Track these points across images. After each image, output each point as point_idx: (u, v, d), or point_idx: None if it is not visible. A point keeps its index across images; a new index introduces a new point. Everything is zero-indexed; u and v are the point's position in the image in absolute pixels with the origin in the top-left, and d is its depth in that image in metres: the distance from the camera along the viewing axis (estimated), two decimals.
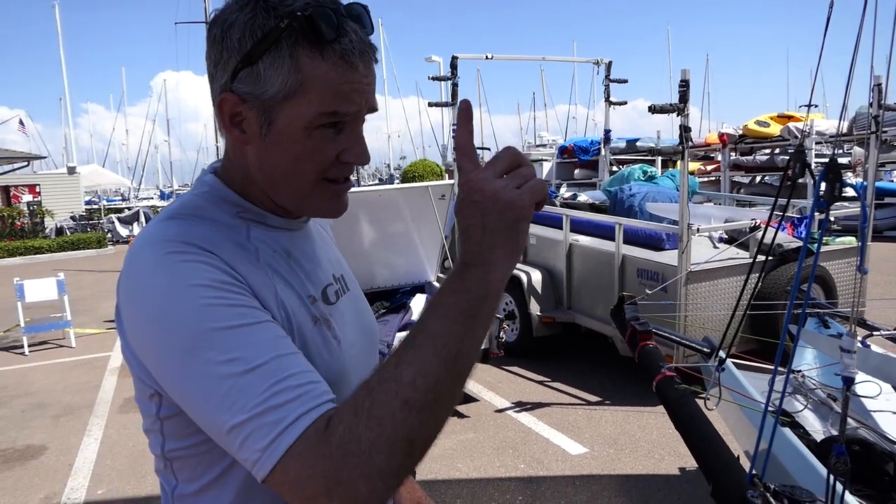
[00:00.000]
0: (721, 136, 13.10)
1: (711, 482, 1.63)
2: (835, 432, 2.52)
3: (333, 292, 0.98)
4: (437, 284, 5.67)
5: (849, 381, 1.40)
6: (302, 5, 0.78)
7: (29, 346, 7.39)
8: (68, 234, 19.61)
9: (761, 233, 4.86)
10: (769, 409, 1.68)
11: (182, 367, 0.74)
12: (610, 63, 7.58)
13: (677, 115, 4.38)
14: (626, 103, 7.82)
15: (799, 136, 10.56)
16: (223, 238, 0.84)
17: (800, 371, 2.92)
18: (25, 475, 4.18)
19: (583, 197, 7.25)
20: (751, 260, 4.94)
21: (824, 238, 5.50)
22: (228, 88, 0.83)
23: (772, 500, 1.50)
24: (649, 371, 2.33)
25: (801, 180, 1.94)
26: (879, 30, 1.90)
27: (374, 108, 0.87)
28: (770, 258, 4.97)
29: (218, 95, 0.84)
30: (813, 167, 2.23)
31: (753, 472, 1.48)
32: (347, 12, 0.82)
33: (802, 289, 4.72)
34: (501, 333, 4.78)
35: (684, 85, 4.28)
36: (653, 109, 4.39)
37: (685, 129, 4.31)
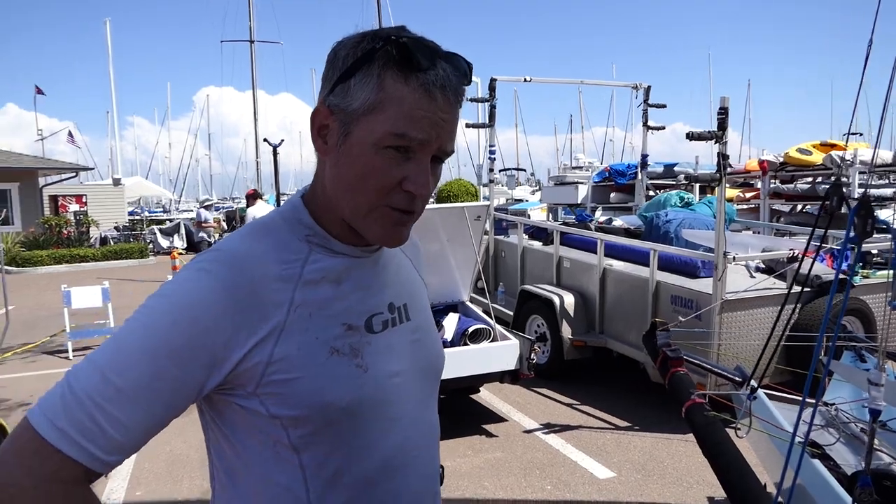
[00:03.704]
0: (761, 163, 12.92)
1: None
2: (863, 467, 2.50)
3: (381, 321, 1.00)
4: (469, 304, 5.72)
5: (875, 413, 1.42)
6: (404, 36, 0.87)
7: (73, 350, 7.63)
8: (112, 243, 20.14)
9: (798, 264, 4.82)
10: (798, 438, 1.70)
11: (108, 342, 0.86)
12: (649, 88, 7.61)
13: (715, 143, 4.39)
14: (664, 128, 7.83)
15: (840, 167, 10.39)
16: (276, 260, 0.92)
17: (833, 404, 2.90)
18: None
19: (618, 222, 7.26)
20: (787, 291, 4.90)
21: (865, 271, 5.42)
22: (324, 102, 0.92)
23: None
24: (679, 397, 2.35)
25: (843, 210, 1.97)
26: None
27: (446, 149, 0.92)
28: (807, 289, 4.92)
29: (314, 108, 0.94)
30: (855, 197, 2.24)
31: (779, 500, 1.50)
32: (445, 56, 0.89)
33: (839, 322, 4.66)
34: (532, 355, 4.80)
35: (723, 112, 4.30)
36: (691, 136, 4.41)
37: (723, 157, 4.32)
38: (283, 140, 7.63)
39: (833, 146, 12.55)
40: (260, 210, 8.88)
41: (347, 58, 0.89)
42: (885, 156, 11.48)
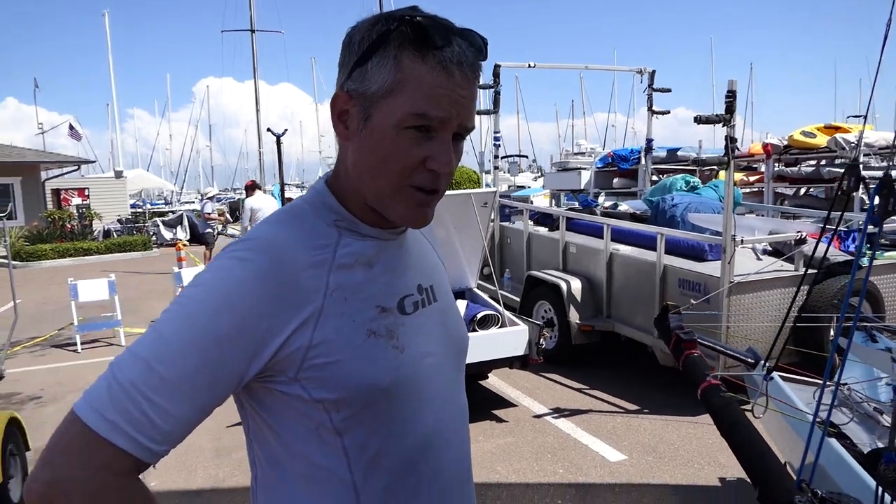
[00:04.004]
0: (765, 146, 12.88)
1: (758, 487, 1.66)
2: (881, 445, 2.51)
3: (412, 303, 1.01)
4: (477, 291, 5.73)
5: None
6: (418, 15, 0.87)
7: (81, 343, 7.66)
8: (115, 236, 20.16)
9: (811, 246, 4.82)
10: (814, 418, 1.70)
11: (147, 333, 0.86)
12: (653, 72, 7.58)
13: (723, 126, 4.38)
14: (668, 112, 7.81)
15: (847, 148, 10.36)
16: (307, 246, 0.93)
17: (845, 384, 2.91)
18: None
19: (624, 206, 7.25)
20: (795, 273, 4.90)
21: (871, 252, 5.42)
22: (342, 87, 0.92)
23: None
24: (694, 379, 2.36)
25: (837, 196, 1.96)
26: None
27: (467, 126, 0.92)
28: (816, 271, 4.92)
29: (333, 94, 0.94)
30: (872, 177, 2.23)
31: (802, 478, 1.51)
32: (460, 33, 0.89)
33: (852, 303, 4.67)
34: (542, 340, 4.82)
35: (731, 95, 4.28)
36: (699, 120, 4.40)
37: (731, 140, 4.31)
38: (286, 129, 7.62)
39: (837, 129, 12.49)
40: (257, 201, 8.86)
41: (363, 42, 0.89)
42: (889, 137, 11.42)
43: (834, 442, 2.06)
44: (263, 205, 8.72)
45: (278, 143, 7.43)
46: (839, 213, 2.18)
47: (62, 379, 6.45)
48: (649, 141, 8.21)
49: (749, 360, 2.88)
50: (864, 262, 5.11)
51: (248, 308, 0.85)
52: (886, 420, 2.69)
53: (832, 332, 4.81)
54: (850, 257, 4.93)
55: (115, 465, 0.80)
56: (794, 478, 1.68)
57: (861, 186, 2.04)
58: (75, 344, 7.63)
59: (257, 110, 22.42)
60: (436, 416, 1.02)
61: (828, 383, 1.65)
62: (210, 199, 14.75)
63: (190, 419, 0.84)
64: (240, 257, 0.89)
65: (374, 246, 0.99)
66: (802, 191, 13.94)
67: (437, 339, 1.05)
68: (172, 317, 0.86)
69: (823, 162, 12.64)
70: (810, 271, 3.66)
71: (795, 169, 12.97)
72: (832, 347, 1.56)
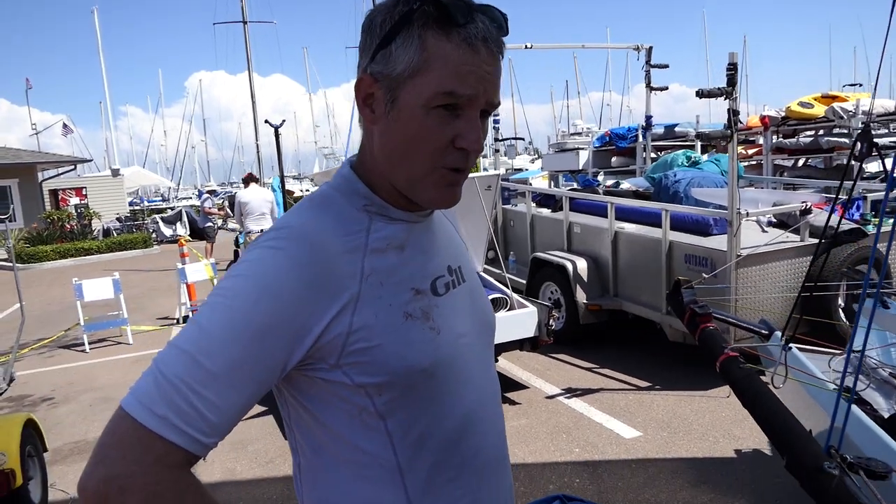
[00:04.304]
0: (763, 118, 12.84)
1: (785, 455, 1.67)
2: None
3: (443, 284, 1.02)
4: (483, 274, 5.73)
5: None
6: None
7: (89, 343, 7.67)
8: (115, 235, 20.14)
9: (816, 216, 4.83)
10: (840, 386, 1.71)
11: (188, 327, 0.86)
12: (650, 48, 7.55)
13: (725, 99, 4.37)
14: (667, 88, 7.78)
15: (845, 117, 10.32)
16: (340, 232, 0.93)
17: (866, 351, 2.93)
18: None
19: (625, 184, 7.25)
20: (801, 244, 4.91)
21: (876, 220, 5.42)
22: (366, 70, 0.91)
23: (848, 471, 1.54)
24: (712, 352, 2.37)
25: (850, 163, 1.96)
26: None
27: (494, 103, 0.92)
28: (823, 241, 4.92)
29: (357, 78, 0.93)
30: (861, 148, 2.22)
31: (831, 444, 1.52)
32: (481, 8, 0.89)
33: (860, 270, 4.67)
34: (551, 321, 4.83)
35: (732, 68, 4.26)
36: (701, 94, 4.38)
37: (734, 113, 4.30)
38: (284, 121, 7.58)
39: (834, 98, 12.45)
40: (247, 194, 8.89)
41: (385, 23, 0.88)
42: (888, 105, 11.40)
43: (855, 408, 2.08)
44: (252, 197, 8.72)
45: (276, 134, 7.40)
46: (851, 181, 2.17)
47: (73, 379, 6.47)
48: (648, 118, 8.19)
49: (763, 331, 2.89)
50: (871, 229, 5.13)
51: (287, 297, 0.85)
52: None
53: (840, 301, 4.83)
54: (855, 225, 4.93)
55: (167, 459, 0.80)
56: (820, 445, 1.70)
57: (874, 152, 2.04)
58: (83, 344, 7.65)
59: (253, 102, 22.26)
60: (473, 396, 1.03)
61: (852, 351, 1.65)
62: (210, 193, 14.64)
63: (237, 410, 0.85)
64: (274, 246, 0.89)
65: (404, 229, 0.99)
66: (801, 162, 13.90)
67: (468, 319, 1.06)
68: (212, 310, 0.85)
69: (822, 132, 12.61)
70: (818, 243, 3.65)
71: (794, 140, 12.93)
72: (858, 316, 1.57)
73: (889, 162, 4.96)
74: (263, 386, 0.87)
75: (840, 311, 4.76)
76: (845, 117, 10.42)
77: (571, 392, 5.00)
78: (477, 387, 1.04)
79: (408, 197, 0.97)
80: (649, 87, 7.75)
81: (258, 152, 21.78)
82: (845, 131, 10.72)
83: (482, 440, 1.04)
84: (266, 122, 7.26)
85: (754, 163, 15.12)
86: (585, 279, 5.94)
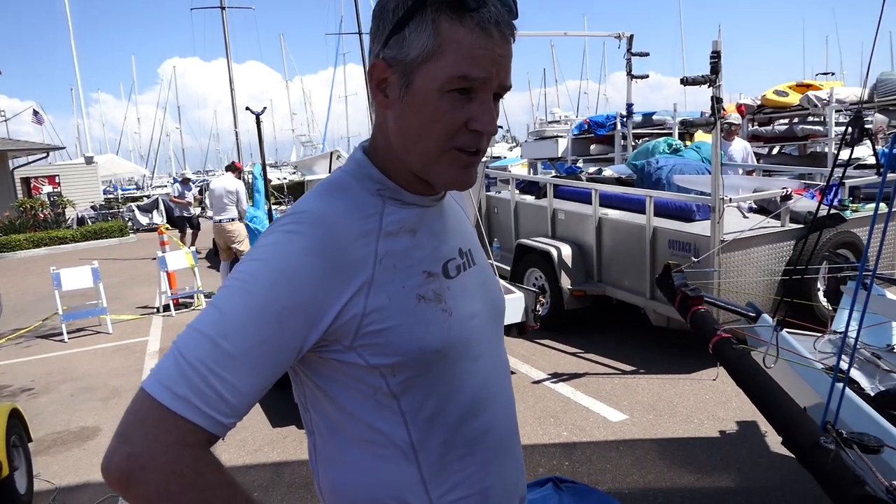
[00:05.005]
0: (739, 106, 13.00)
1: (782, 432, 1.71)
2: (883, 388, 2.60)
3: (455, 266, 1.04)
4: None
5: None
6: None
7: (68, 333, 7.57)
8: (90, 223, 19.80)
9: (796, 202, 4.91)
10: (830, 367, 1.76)
11: (207, 310, 0.87)
12: (631, 36, 7.59)
13: (709, 87, 4.42)
14: (647, 76, 7.83)
15: (819, 105, 10.49)
16: (355, 217, 0.94)
17: (840, 333, 3.00)
18: (84, 455, 4.34)
19: (608, 172, 7.30)
20: (782, 229, 5.00)
21: (853, 206, 5.54)
22: (379, 56, 0.92)
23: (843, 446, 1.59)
24: (704, 334, 2.42)
25: (841, 148, 2.00)
26: None
27: (506, 85, 0.93)
28: (801, 226, 5.02)
29: (370, 63, 0.94)
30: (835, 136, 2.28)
31: (827, 420, 1.57)
32: None
33: (840, 254, 4.77)
34: (538, 307, 4.87)
35: (716, 56, 4.31)
36: (685, 82, 4.43)
37: (717, 101, 4.35)
38: (265, 108, 7.49)
39: (809, 86, 12.63)
40: (215, 182, 8.91)
41: (397, 9, 0.89)
42: (857, 92, 11.58)
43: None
44: (215, 186, 8.68)
45: (258, 121, 7.31)
46: (843, 165, 2.22)
47: (52, 369, 6.38)
48: (629, 105, 8.25)
49: (751, 313, 2.94)
50: (849, 214, 5.23)
51: (303, 280, 0.87)
52: (885, 364, 2.79)
53: (819, 284, 4.93)
54: (834, 211, 5.03)
55: (188, 439, 0.81)
56: (815, 422, 1.75)
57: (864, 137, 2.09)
58: (61, 333, 7.54)
59: (231, 89, 21.96)
60: (484, 374, 1.06)
61: (843, 333, 1.70)
62: (185, 181, 14.27)
63: (255, 392, 0.86)
64: (291, 230, 0.90)
65: (417, 213, 1.01)
66: (776, 149, 14.11)
67: (479, 301, 1.08)
68: (230, 293, 0.87)
69: (796, 120, 12.80)
70: (805, 228, 3.72)
71: (769, 128, 13.13)
72: (853, 300, 1.62)
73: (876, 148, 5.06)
74: (280, 368, 0.89)
75: (819, 294, 4.87)
76: (819, 105, 10.58)
77: (557, 377, 5.05)
78: (488, 366, 1.07)
79: (424, 180, 0.98)
80: (630, 76, 7.80)
81: (237, 139, 21.53)
82: (819, 119, 10.90)
83: (493, 418, 1.07)
84: (247, 108, 7.17)
85: None
86: (570, 265, 5.99)
